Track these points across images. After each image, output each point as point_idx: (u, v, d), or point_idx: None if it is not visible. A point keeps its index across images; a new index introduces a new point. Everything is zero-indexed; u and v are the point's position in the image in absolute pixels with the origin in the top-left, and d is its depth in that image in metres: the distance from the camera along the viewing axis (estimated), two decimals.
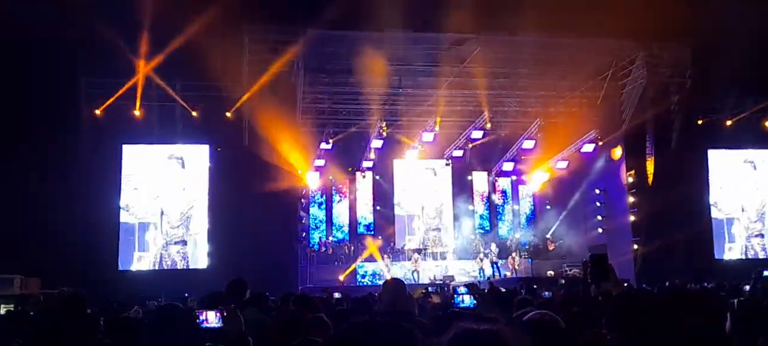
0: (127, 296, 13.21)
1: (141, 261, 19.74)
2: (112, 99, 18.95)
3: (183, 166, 20.40)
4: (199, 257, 20.01)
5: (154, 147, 20.38)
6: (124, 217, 19.83)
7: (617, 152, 21.83)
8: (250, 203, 18.26)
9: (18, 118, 17.24)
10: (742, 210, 22.82)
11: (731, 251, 22.35)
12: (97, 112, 19.08)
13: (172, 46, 17.36)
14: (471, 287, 5.39)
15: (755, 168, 23.21)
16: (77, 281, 14.43)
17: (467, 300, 6.21)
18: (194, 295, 12.39)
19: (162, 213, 20.03)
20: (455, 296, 5.48)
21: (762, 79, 19.97)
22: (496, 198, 25.69)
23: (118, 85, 18.93)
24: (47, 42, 15.86)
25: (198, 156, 20.54)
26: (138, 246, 19.76)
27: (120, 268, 19.42)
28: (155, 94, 19.46)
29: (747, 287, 11.81)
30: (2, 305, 10.83)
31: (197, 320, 4.66)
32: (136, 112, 19.40)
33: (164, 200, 20.16)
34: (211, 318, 4.67)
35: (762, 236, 22.83)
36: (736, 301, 3.72)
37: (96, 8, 14.81)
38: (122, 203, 19.85)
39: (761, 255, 22.60)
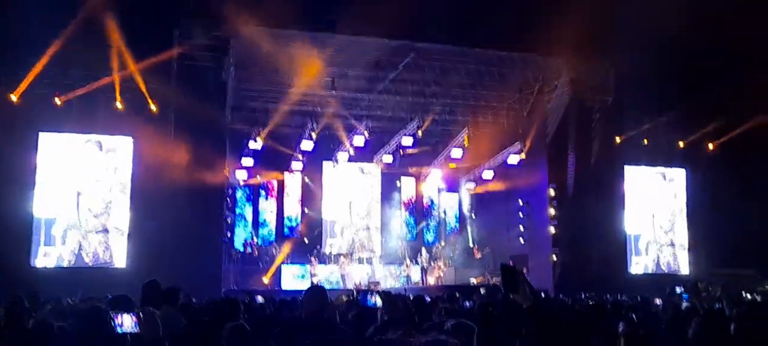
0: (40, 293, 12.59)
1: (47, 256, 18.73)
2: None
3: (104, 154, 19.54)
4: (118, 254, 19.26)
5: (74, 136, 19.44)
6: (37, 209, 18.84)
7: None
8: (173, 201, 17.73)
9: None
10: (654, 225, 23.97)
11: (638, 265, 23.43)
12: (13, 97, 18.09)
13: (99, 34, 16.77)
14: (386, 296, 5.45)
15: (667, 182, 24.43)
16: None
17: (370, 300, 6.28)
18: (111, 295, 11.93)
19: (79, 204, 19.11)
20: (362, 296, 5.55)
21: (679, 99, 21.19)
22: (424, 205, 26.05)
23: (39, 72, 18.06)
24: None
25: (121, 148, 19.77)
26: (45, 240, 18.76)
27: (32, 264, 18.47)
28: (77, 82, 18.64)
29: (658, 301, 12.42)
30: None
31: (112, 324, 4.52)
32: (57, 100, 18.51)
33: (83, 190, 19.24)
34: (127, 322, 4.53)
35: (673, 245, 24.03)
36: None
37: None
38: (36, 194, 18.87)
39: (673, 267, 23.83)
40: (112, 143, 19.64)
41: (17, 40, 16.47)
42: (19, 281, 15.79)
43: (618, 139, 22.41)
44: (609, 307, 8.37)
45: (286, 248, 22.42)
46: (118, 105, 18.93)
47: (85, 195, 19.26)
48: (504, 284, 4.30)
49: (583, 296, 15.15)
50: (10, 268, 16.69)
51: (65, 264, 18.75)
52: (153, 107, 18.95)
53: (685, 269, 23.84)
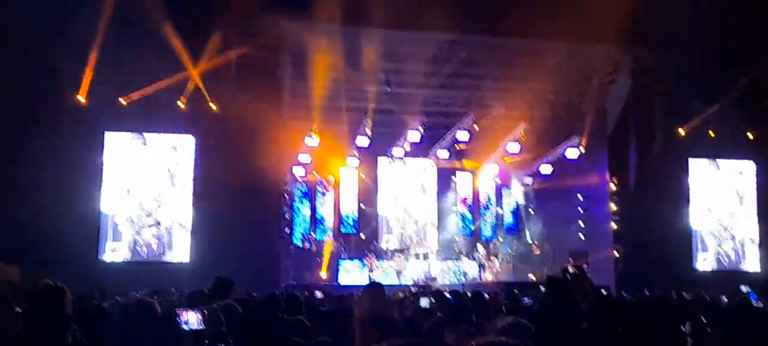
0: (107, 286, 13.12)
1: (115, 252, 19.50)
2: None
3: (166, 152, 20.19)
4: (180, 248, 19.84)
5: (138, 135, 20.14)
6: (104, 206, 19.62)
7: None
8: (233, 197, 18.16)
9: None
10: (720, 220, 23.10)
11: (704, 262, 22.62)
12: (80, 98, 18.83)
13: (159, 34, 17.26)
14: (441, 295, 5.45)
15: (735, 175, 23.49)
16: (57, 271, 14.28)
17: (424, 302, 6.30)
18: (175, 289, 12.34)
19: (143, 200, 19.81)
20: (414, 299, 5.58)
21: (746, 88, 20.25)
22: (480, 200, 25.81)
23: (102, 72, 18.75)
24: (32, 24, 15.72)
25: (183, 146, 20.36)
26: (112, 236, 19.53)
27: (99, 256, 19.24)
28: (140, 82, 19.27)
29: (725, 299, 11.98)
30: None
31: (177, 320, 4.64)
32: (121, 100, 19.18)
33: (147, 187, 19.94)
34: (192, 319, 4.64)
35: (741, 241, 23.11)
36: None
37: None
38: (103, 192, 19.65)
39: (741, 264, 22.91)
40: (174, 141, 20.25)
41: (84, 41, 17.11)
42: (89, 275, 16.56)
43: (682, 131, 21.63)
44: (674, 305, 8.11)
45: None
46: (180, 104, 19.47)
47: (149, 192, 19.94)
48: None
49: (646, 292, 14.72)
50: (81, 262, 17.47)
51: (130, 258, 19.46)
52: (213, 106, 19.39)
53: (753, 267, 22.87)
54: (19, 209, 17.10)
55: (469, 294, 7.34)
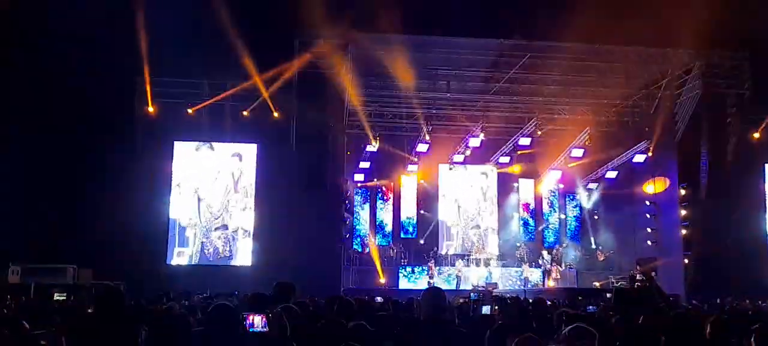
0: (173, 289, 13.56)
1: (181, 256, 20.22)
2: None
3: (231, 160, 20.84)
4: (243, 253, 20.36)
5: (204, 144, 20.85)
6: (173, 212, 20.35)
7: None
8: (295, 203, 18.52)
9: (76, 116, 17.87)
10: None
11: None
12: (151, 109, 19.62)
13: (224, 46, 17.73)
14: (502, 301, 5.40)
15: None
16: (127, 273, 14.91)
17: (486, 309, 6.24)
18: (239, 292, 12.64)
19: (205, 207, 20.48)
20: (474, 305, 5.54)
21: None
22: (543, 206, 25.36)
23: (171, 84, 19.49)
24: (104, 40, 16.42)
25: (247, 154, 20.94)
26: (179, 241, 20.25)
27: (167, 262, 19.94)
28: (207, 93, 19.93)
29: None
30: (56, 294, 11.41)
31: (244, 324, 4.76)
32: (189, 111, 19.88)
33: (211, 193, 20.61)
34: (257, 322, 4.76)
35: None
36: None
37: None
38: (172, 199, 20.39)
39: None
40: (238, 149, 20.86)
41: (152, 54, 17.80)
42: (158, 277, 17.19)
43: (756, 135, 20.70)
44: (749, 314, 7.78)
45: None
46: (245, 113, 19.99)
47: (215, 198, 20.59)
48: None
49: (718, 301, 14.15)
50: (150, 266, 18.18)
51: (196, 262, 20.11)
52: (276, 114, 19.82)
53: None
54: (94, 217, 17.92)
55: (530, 300, 7.24)
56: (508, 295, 12.53)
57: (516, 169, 24.02)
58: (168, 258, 20.06)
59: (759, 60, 19.02)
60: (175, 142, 20.64)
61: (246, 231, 20.43)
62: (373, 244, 22.97)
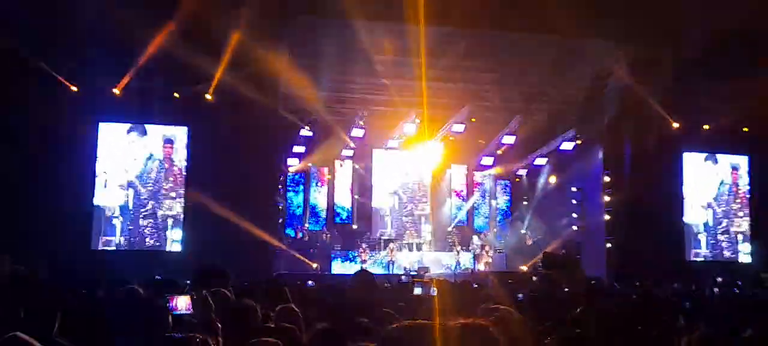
0: (98, 276, 13.11)
1: (106, 241, 19.49)
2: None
3: (159, 143, 20.14)
4: (174, 239, 19.85)
5: (131, 125, 20.09)
6: (99, 198, 19.59)
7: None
8: (226, 188, 18.16)
9: None
10: (713, 213, 23.21)
11: (697, 254, 22.73)
12: (74, 88, 18.75)
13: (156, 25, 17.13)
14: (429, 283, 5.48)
15: (729, 169, 23.58)
16: (49, 259, 14.31)
17: (417, 290, 6.34)
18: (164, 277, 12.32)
19: (131, 188, 19.76)
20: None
21: (741, 83, 20.23)
22: (475, 192, 25.86)
23: (97, 62, 18.65)
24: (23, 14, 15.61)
25: (177, 137, 20.32)
26: (105, 226, 19.49)
27: (92, 247, 19.22)
28: (136, 73, 19.20)
29: (716, 290, 12.07)
30: None
31: (166, 305, 4.65)
32: (116, 91, 19.10)
33: (140, 177, 19.90)
34: (181, 304, 4.66)
35: (733, 234, 23.24)
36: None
37: None
38: (97, 183, 19.62)
39: (732, 256, 23.04)
40: (168, 132, 20.20)
41: (74, 29, 16.97)
42: (82, 264, 16.56)
43: (676, 125, 21.69)
44: (661, 295, 8.18)
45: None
46: (176, 95, 19.41)
47: (142, 184, 19.91)
48: (543, 264, 4.25)
49: (637, 284, 14.79)
50: (74, 252, 17.49)
51: (123, 248, 19.45)
52: (208, 96, 19.34)
53: (745, 259, 23.01)
54: (13, 201, 17.07)
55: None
56: (439, 278, 12.73)
57: (449, 155, 24.38)
58: (93, 244, 19.31)
59: (680, 54, 19.89)
60: (101, 124, 19.81)
61: (176, 216, 19.89)
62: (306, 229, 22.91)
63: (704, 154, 23.23)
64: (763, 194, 22.95)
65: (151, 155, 20.04)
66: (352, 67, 19.95)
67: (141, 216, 19.73)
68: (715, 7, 15.55)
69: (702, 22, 16.27)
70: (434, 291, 5.80)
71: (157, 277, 12.32)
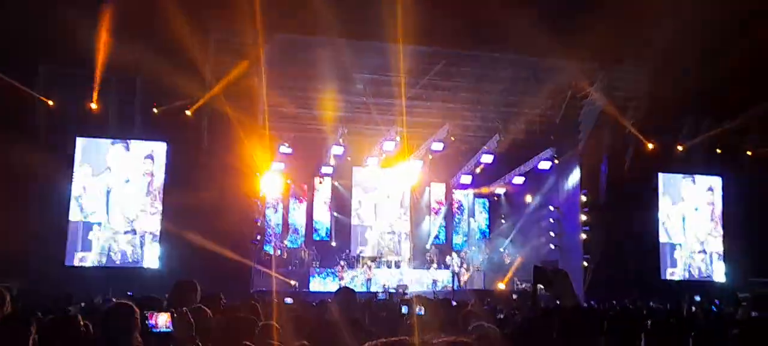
0: (73, 292, 12.91)
1: (82, 258, 19.15)
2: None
3: (139, 158, 19.93)
4: (151, 255, 19.60)
5: (110, 141, 19.86)
6: (75, 213, 19.29)
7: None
8: (205, 204, 18.00)
9: None
10: (688, 233, 23.52)
11: (672, 273, 22.99)
12: (50, 102, 18.52)
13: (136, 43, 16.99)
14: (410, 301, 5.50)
15: (703, 190, 23.95)
16: (22, 275, 14.07)
17: (418, 311, 6.30)
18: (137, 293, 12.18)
19: (110, 205, 19.49)
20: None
21: (714, 104, 20.67)
22: (453, 210, 25.97)
23: (76, 76, 18.49)
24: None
25: (156, 153, 20.13)
26: (81, 242, 19.16)
27: (67, 263, 18.89)
28: (114, 88, 19.05)
29: (694, 308, 12.20)
30: None
31: (146, 323, 4.60)
32: (93, 105, 18.91)
33: (117, 193, 19.63)
34: (161, 322, 4.62)
35: (708, 253, 23.55)
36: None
37: None
38: (73, 197, 19.33)
39: (708, 275, 23.33)
40: (147, 148, 20.02)
41: (48, 43, 16.78)
42: (57, 280, 16.27)
43: (651, 146, 22.04)
44: (636, 313, 8.28)
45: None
46: (154, 110, 19.27)
47: (121, 200, 19.65)
48: (534, 281, 4.30)
49: (614, 302, 14.95)
50: (49, 267, 17.19)
51: (100, 264, 19.15)
52: (188, 112, 19.23)
53: (720, 278, 23.34)
54: None
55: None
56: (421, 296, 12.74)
57: (428, 173, 24.48)
58: (68, 260, 18.98)
59: (655, 77, 20.30)
60: (77, 138, 19.56)
61: (153, 233, 19.65)
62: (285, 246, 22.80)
63: (679, 175, 23.57)
64: (732, 213, 23.35)
65: (130, 171, 19.82)
66: (331, 85, 19.99)
67: (118, 232, 19.45)
68: (690, 27, 15.90)
69: (677, 42, 16.62)
70: (422, 310, 5.79)
71: (129, 293, 12.19)
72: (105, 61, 17.79)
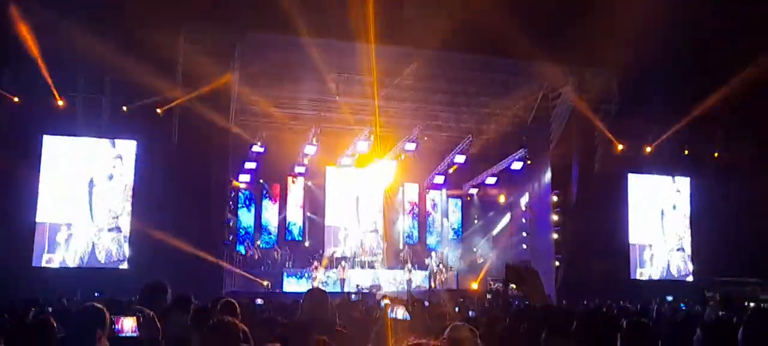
0: (40, 294, 12.66)
1: (49, 260, 18.71)
2: None
3: (106, 157, 19.56)
4: (120, 256, 19.25)
5: (78, 139, 19.44)
6: (40, 212, 18.84)
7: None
8: (176, 203, 17.75)
9: None
10: (657, 233, 23.89)
11: (642, 273, 23.33)
12: (15, 99, 18.06)
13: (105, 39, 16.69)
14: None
15: (671, 190, 24.35)
16: None
17: (400, 313, 6.25)
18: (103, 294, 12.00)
19: (76, 203, 19.07)
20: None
21: (681, 107, 21.04)
22: (427, 210, 26.03)
23: (41, 73, 18.06)
24: None
25: (125, 151, 19.79)
26: (48, 242, 18.72)
27: (33, 265, 18.47)
28: (82, 85, 18.69)
29: (666, 307, 12.36)
30: None
31: (112, 327, 4.49)
32: (59, 102, 18.48)
33: (83, 193, 19.21)
34: (127, 326, 4.52)
35: (676, 252, 23.93)
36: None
37: None
38: (40, 199, 18.89)
39: (676, 274, 23.71)
40: (115, 146, 19.67)
41: (17, 42, 16.42)
42: (23, 281, 15.91)
43: (621, 147, 22.35)
44: (605, 312, 8.36)
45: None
46: (124, 108, 18.93)
47: (88, 198, 19.26)
48: (506, 279, 4.30)
49: (585, 302, 15.11)
50: (14, 269, 16.79)
51: (67, 265, 18.76)
52: (158, 110, 18.94)
53: (688, 277, 23.75)
54: None
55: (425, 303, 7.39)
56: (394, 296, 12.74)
57: (401, 173, 24.48)
58: (34, 261, 18.54)
59: (625, 80, 20.63)
60: (44, 137, 19.13)
61: (123, 232, 19.31)
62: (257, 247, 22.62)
63: (648, 176, 23.92)
64: (699, 213, 23.77)
65: (98, 169, 19.44)
66: (304, 84, 19.89)
67: (87, 232, 19.07)
68: (659, 31, 16.15)
69: (646, 45, 16.87)
70: (396, 312, 5.73)
71: (96, 294, 11.98)
72: (73, 58, 17.45)
